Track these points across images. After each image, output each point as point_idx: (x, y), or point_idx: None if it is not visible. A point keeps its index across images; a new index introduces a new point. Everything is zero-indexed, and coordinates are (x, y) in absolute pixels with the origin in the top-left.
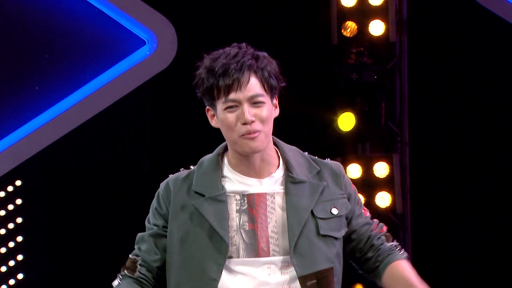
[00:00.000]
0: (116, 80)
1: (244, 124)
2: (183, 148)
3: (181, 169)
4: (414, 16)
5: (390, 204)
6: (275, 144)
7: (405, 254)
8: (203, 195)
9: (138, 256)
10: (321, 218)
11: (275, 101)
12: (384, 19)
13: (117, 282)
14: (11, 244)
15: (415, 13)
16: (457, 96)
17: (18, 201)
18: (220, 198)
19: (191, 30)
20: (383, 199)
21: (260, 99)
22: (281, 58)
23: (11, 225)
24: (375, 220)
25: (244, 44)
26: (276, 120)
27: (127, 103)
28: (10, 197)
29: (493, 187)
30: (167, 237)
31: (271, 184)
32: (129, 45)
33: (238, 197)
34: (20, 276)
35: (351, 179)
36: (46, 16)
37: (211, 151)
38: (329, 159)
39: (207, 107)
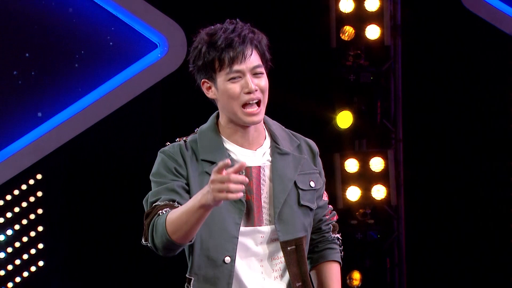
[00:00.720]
0: (130, 81)
1: (248, 93)
2: None
3: (176, 140)
4: (408, 21)
5: (385, 196)
6: None
7: (340, 254)
8: (213, 162)
9: (175, 201)
10: (301, 189)
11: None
12: (380, 24)
13: (167, 211)
14: (32, 234)
15: (408, 19)
16: (447, 95)
17: (39, 194)
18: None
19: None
20: (379, 192)
21: (260, 69)
22: (284, 60)
23: (32, 216)
24: (330, 206)
25: (236, 19)
26: (280, 117)
27: (140, 102)
28: (31, 190)
29: (483, 180)
30: (190, 193)
31: (261, 156)
32: (141, 48)
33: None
34: (40, 263)
35: (349, 173)
36: (66, 22)
37: None
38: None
39: (203, 79)
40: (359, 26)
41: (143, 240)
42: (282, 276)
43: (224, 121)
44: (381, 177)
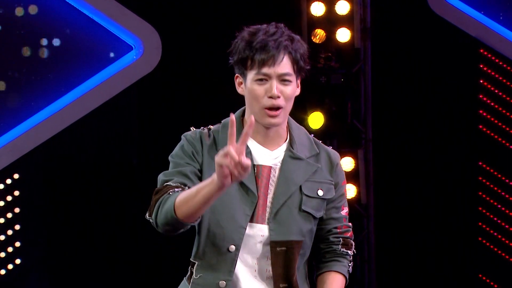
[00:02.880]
0: (106, 82)
1: (270, 97)
2: (167, 144)
3: (201, 128)
4: (377, 24)
5: (356, 195)
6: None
7: (348, 269)
8: None
9: (186, 185)
10: (306, 195)
11: (299, 82)
12: (350, 27)
13: (177, 191)
14: (10, 232)
15: (378, 22)
16: (416, 97)
17: (16, 193)
18: (247, 154)
19: (175, 36)
20: (349, 191)
21: (288, 77)
22: None
23: (9, 215)
24: (349, 224)
25: (282, 25)
26: None
27: (116, 103)
28: (8, 189)
29: (451, 180)
30: (202, 179)
31: (276, 157)
32: (117, 50)
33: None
34: (17, 261)
35: None
36: (43, 24)
37: None
38: (331, 147)
39: (237, 74)
40: (330, 29)
41: (147, 215)
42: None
43: (247, 117)
44: (351, 176)
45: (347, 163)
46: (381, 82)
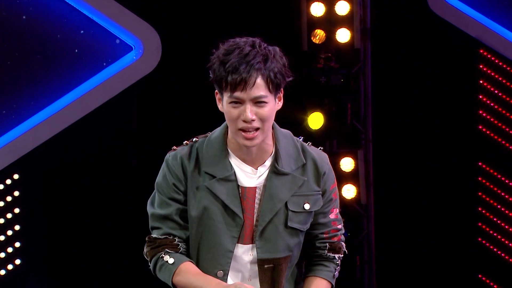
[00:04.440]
0: (106, 83)
1: (244, 121)
2: (166, 144)
3: (184, 142)
4: (377, 25)
5: (355, 195)
6: (273, 128)
7: (334, 273)
8: (214, 176)
9: (173, 235)
10: (292, 211)
11: (280, 94)
12: (350, 27)
13: (170, 259)
14: (9, 232)
15: (377, 22)
16: (416, 97)
17: (16, 193)
18: (230, 178)
19: (174, 37)
20: (349, 191)
21: (262, 99)
22: None
23: (9, 215)
24: (337, 227)
25: (258, 41)
26: None
27: (116, 104)
28: (8, 190)
29: (451, 180)
30: (187, 202)
31: (261, 174)
32: (117, 50)
33: None
34: (17, 261)
35: None
36: (43, 25)
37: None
38: (321, 148)
39: (216, 90)
40: (330, 30)
41: (145, 256)
42: None
43: (230, 135)
44: (351, 177)
45: (347, 164)
46: (381, 82)
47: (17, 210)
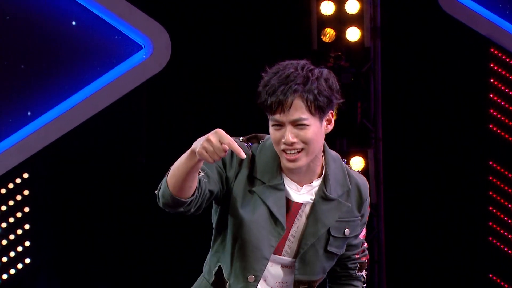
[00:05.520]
0: (115, 82)
1: (286, 144)
2: (175, 143)
3: (240, 138)
4: (387, 23)
5: None
6: (324, 151)
7: None
8: (264, 183)
9: (204, 170)
10: (333, 236)
11: (330, 117)
12: (360, 26)
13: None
14: (19, 231)
15: (388, 21)
16: (426, 96)
17: (26, 192)
18: (279, 187)
19: (184, 36)
20: None
21: (303, 122)
22: (266, 62)
23: (19, 214)
24: (365, 245)
25: (303, 63)
26: (263, 119)
27: (125, 103)
28: (18, 189)
29: (461, 179)
30: (231, 199)
31: (307, 193)
32: (127, 49)
33: None
34: (27, 260)
35: None
36: (53, 24)
37: None
38: (359, 171)
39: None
40: (340, 28)
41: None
42: None
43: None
44: None
45: (357, 163)
46: (391, 81)
47: (26, 209)
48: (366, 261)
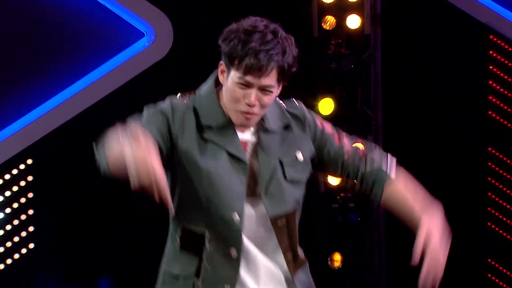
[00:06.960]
0: (117, 69)
1: (247, 104)
2: None
3: (178, 95)
4: (387, 11)
5: None
6: None
7: (393, 164)
8: (212, 127)
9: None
10: (288, 164)
11: (281, 86)
12: (360, 13)
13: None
14: (23, 217)
15: (388, 8)
16: (425, 83)
17: (29, 178)
18: (228, 126)
19: (186, 23)
20: None
21: (270, 89)
22: None
23: (23, 200)
24: (354, 146)
25: (278, 29)
26: None
27: (128, 90)
28: (22, 174)
29: (461, 165)
30: (185, 157)
31: (250, 132)
32: (129, 37)
33: None
34: (31, 245)
35: None
36: (55, 11)
37: None
38: (293, 99)
39: (222, 61)
40: (340, 16)
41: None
42: (275, 250)
43: (223, 101)
44: None
45: None
46: (391, 68)
47: (30, 195)
48: (364, 152)
